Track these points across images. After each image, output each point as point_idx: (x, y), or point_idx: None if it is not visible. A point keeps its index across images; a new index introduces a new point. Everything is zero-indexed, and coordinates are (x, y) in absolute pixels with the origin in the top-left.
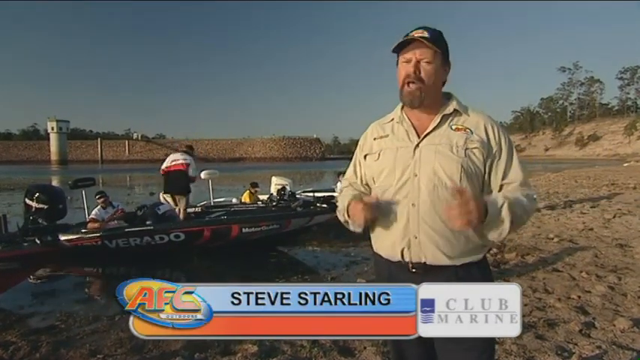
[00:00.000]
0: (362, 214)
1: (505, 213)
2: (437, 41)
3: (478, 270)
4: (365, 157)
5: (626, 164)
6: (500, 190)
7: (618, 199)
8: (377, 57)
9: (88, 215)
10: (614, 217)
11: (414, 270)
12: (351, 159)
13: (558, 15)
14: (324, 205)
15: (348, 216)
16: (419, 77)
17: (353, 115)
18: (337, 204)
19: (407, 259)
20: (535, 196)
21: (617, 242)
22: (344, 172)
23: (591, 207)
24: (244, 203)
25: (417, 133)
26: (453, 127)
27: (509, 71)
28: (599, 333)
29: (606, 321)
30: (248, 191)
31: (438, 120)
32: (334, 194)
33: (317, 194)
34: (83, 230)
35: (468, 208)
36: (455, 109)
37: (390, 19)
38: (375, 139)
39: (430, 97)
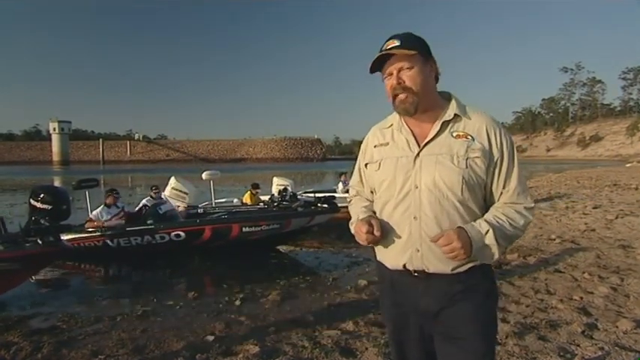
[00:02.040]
0: (366, 239)
1: (490, 241)
2: (409, 43)
3: (481, 272)
4: (366, 165)
5: (628, 165)
6: (500, 196)
7: (620, 200)
8: None
9: None
10: (616, 217)
11: (416, 274)
12: (352, 159)
13: (559, 15)
14: (325, 205)
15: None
16: (404, 87)
17: (354, 115)
18: (349, 209)
19: (409, 269)
20: (531, 205)
21: (619, 243)
22: (346, 173)
23: (593, 208)
24: (245, 204)
25: (417, 141)
26: (454, 134)
27: (510, 71)
28: (601, 334)
29: (609, 322)
30: (249, 192)
31: (438, 127)
32: (335, 195)
33: (318, 195)
34: (87, 230)
35: (453, 248)
36: (455, 114)
37: (390, 19)
38: (375, 146)
39: (425, 101)
